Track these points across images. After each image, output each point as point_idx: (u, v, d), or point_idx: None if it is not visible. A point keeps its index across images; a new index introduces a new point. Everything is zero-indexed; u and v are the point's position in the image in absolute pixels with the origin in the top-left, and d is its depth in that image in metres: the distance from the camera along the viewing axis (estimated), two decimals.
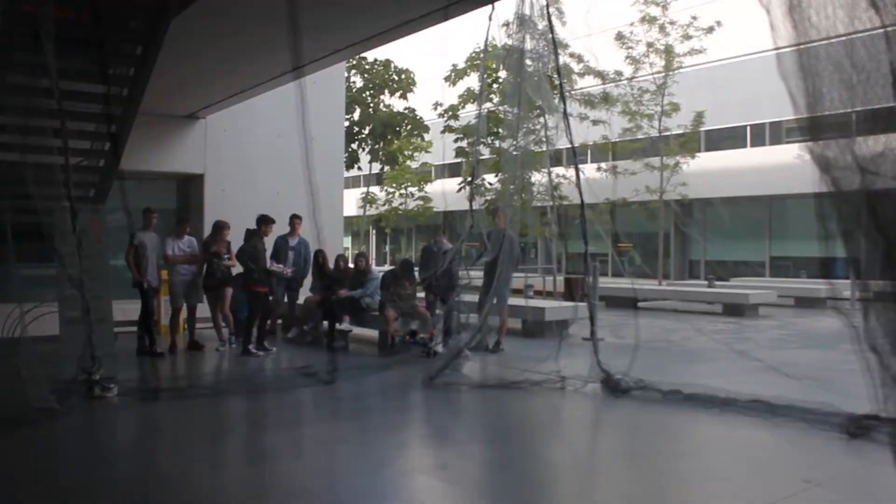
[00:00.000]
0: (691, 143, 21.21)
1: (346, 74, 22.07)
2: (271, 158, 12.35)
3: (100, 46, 7.18)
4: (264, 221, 9.62)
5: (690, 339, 10.44)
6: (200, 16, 7.27)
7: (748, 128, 24.25)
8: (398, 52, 23.63)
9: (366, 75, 23.45)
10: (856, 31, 2.42)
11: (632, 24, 20.24)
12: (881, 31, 2.34)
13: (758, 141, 23.99)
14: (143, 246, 8.81)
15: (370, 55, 23.20)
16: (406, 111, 23.77)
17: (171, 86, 9.52)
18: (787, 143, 21.49)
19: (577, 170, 7.96)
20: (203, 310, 10.13)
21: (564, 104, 8.23)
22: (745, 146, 24.38)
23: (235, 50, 8.60)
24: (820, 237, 2.65)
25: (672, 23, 20.03)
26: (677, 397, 6.48)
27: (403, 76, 23.31)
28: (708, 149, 24.21)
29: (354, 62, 23.03)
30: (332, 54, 9.01)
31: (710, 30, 19.62)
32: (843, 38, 2.47)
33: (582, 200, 7.90)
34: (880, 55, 2.36)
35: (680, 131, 21.41)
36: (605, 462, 5.31)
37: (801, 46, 2.50)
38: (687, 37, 19.89)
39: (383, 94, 23.66)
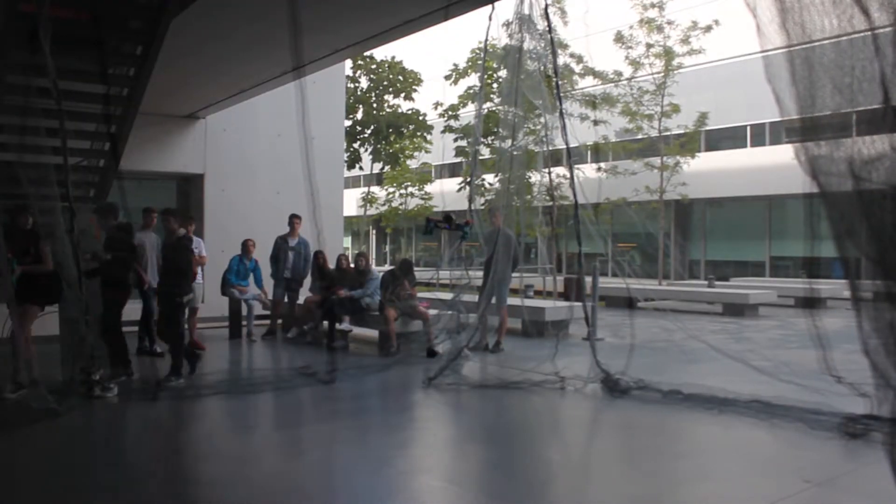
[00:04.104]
0: (692, 143, 21.21)
1: (351, 74, 22.11)
2: (271, 158, 12.36)
3: (99, 46, 7.17)
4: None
5: (690, 339, 10.42)
6: (200, 15, 7.27)
7: (748, 128, 24.25)
8: (399, 52, 23.68)
9: (371, 76, 23.44)
10: (845, 33, 2.42)
11: (630, 27, 20.25)
12: (870, 34, 2.34)
13: (758, 141, 23.98)
14: (142, 246, 8.81)
15: (378, 55, 23.22)
16: (411, 112, 23.79)
17: (170, 86, 9.52)
18: (788, 142, 21.48)
19: (571, 170, 7.96)
20: (203, 310, 10.16)
21: (560, 104, 8.24)
22: (745, 146, 24.38)
23: (235, 50, 8.60)
24: (807, 238, 2.66)
25: (670, 23, 20.04)
26: (677, 397, 6.47)
27: (409, 77, 23.30)
28: (708, 149, 24.20)
29: (361, 62, 23.02)
30: (332, 54, 9.01)
31: (709, 29, 19.63)
32: (833, 41, 2.47)
33: (576, 201, 7.90)
34: (870, 58, 2.36)
35: (680, 131, 21.41)
36: (604, 462, 5.31)
37: (791, 49, 2.50)
38: (686, 39, 19.90)
39: (388, 94, 23.66)
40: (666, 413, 6.23)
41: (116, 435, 6.05)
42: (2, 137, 7.49)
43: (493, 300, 9.11)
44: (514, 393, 7.12)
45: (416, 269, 10.72)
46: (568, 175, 8.15)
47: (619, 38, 20.25)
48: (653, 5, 19.92)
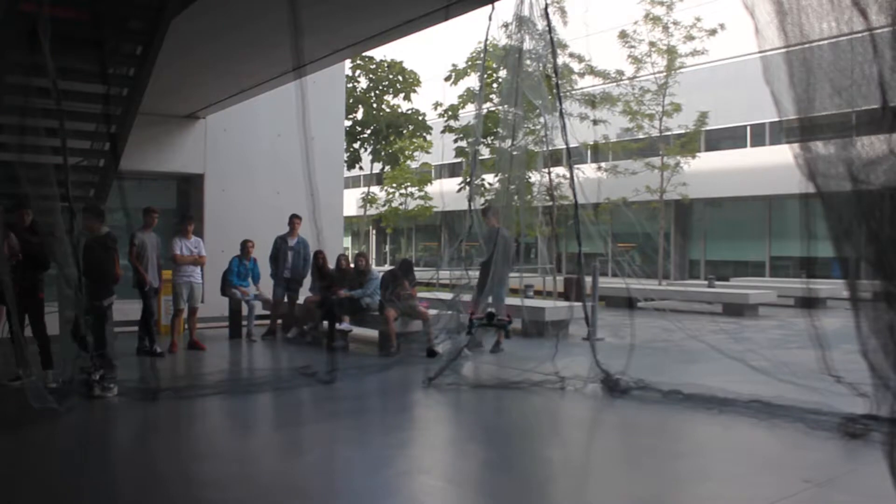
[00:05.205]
0: (692, 143, 21.21)
1: (351, 74, 22.10)
2: (271, 158, 12.36)
3: (99, 46, 7.18)
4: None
5: (690, 339, 10.44)
6: (200, 15, 7.27)
7: (748, 128, 24.24)
8: (399, 52, 23.65)
9: (371, 76, 23.44)
10: (843, 35, 2.42)
11: (635, 23, 20.23)
12: (868, 35, 2.34)
13: (758, 141, 23.98)
14: (143, 246, 8.82)
15: (378, 55, 23.20)
16: (410, 112, 23.80)
17: (171, 86, 9.52)
18: (788, 142, 21.43)
19: (571, 170, 7.97)
20: (203, 310, 10.16)
21: (560, 104, 8.24)
22: (745, 146, 24.38)
23: (235, 50, 8.60)
24: (804, 239, 2.66)
25: (676, 23, 20.02)
26: (677, 397, 6.47)
27: (409, 77, 23.29)
28: (708, 149, 24.20)
29: (361, 62, 23.01)
30: (332, 54, 9.02)
31: (713, 32, 19.62)
32: (831, 42, 2.47)
33: (576, 201, 7.90)
34: (868, 59, 2.36)
35: (681, 131, 21.40)
36: (604, 462, 5.31)
37: (789, 50, 2.50)
38: (690, 38, 19.89)
39: (388, 94, 23.66)
40: (666, 413, 6.23)
41: (116, 435, 6.06)
42: (2, 137, 7.50)
43: (490, 300, 9.10)
44: (513, 393, 7.12)
45: (416, 269, 10.72)
46: (568, 175, 8.15)
47: (623, 36, 20.23)
48: (661, 3, 19.90)
